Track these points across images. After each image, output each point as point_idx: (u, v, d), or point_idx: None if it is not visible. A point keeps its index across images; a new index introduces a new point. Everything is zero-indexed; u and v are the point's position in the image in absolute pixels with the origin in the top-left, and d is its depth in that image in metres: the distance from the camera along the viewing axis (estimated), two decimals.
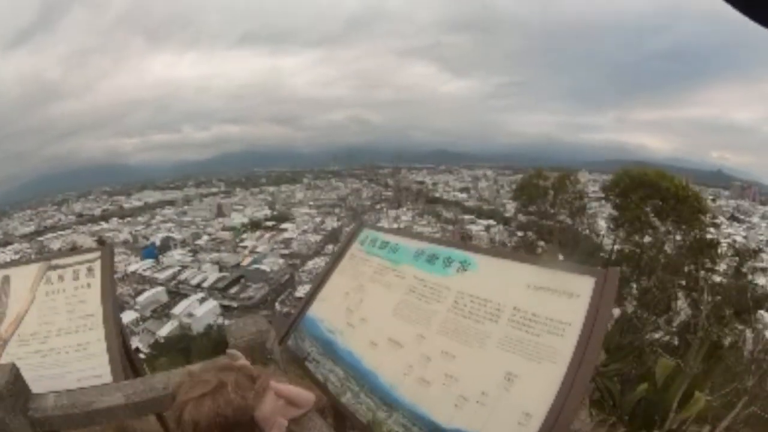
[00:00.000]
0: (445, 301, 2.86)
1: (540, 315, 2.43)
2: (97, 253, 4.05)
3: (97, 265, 3.96)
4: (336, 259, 3.93)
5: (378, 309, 3.22)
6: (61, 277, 3.92)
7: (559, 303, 2.42)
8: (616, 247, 17.56)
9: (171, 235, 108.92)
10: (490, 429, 2.27)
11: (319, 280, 3.85)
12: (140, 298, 73.26)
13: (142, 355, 23.75)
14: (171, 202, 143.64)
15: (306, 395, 2.41)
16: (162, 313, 71.23)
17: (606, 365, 5.43)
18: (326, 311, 3.56)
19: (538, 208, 21.58)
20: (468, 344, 2.58)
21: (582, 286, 2.38)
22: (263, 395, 1.88)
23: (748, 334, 10.17)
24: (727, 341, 8.72)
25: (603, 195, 20.06)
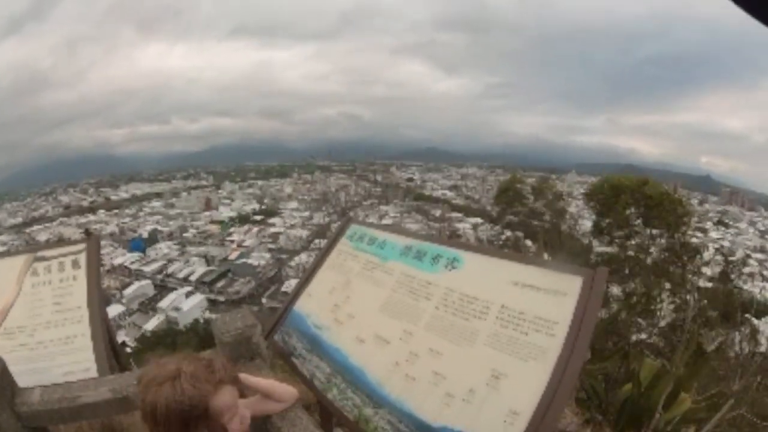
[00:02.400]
0: (433, 298, 2.86)
1: (528, 313, 2.43)
2: (83, 245, 4.02)
3: (82, 258, 3.93)
4: (324, 254, 3.91)
5: (365, 305, 3.20)
6: (47, 269, 3.89)
7: (547, 302, 2.42)
8: (601, 249, 17.60)
9: (158, 227, 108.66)
10: (477, 427, 2.27)
11: (307, 275, 3.83)
12: (127, 292, 73.01)
13: (128, 349, 23.65)
14: (159, 195, 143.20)
15: (286, 389, 2.42)
16: (148, 306, 70.95)
17: (591, 365, 5.45)
18: (313, 306, 3.54)
19: (522, 209, 21.63)
20: (456, 342, 2.58)
21: (570, 286, 2.39)
22: (220, 387, 1.89)
23: (736, 337, 10.23)
24: (713, 344, 8.77)
25: (588, 200, 20.20)
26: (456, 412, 2.35)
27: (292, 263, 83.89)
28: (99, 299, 3.75)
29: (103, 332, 3.60)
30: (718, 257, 19.08)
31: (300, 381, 3.12)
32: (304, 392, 3.14)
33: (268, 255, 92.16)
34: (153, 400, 1.74)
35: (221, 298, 75.04)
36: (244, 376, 2.15)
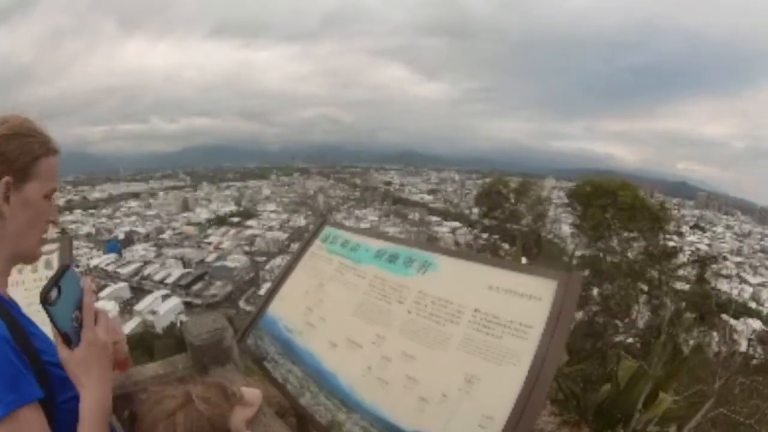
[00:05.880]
0: (406, 301, 2.83)
1: (501, 317, 2.40)
2: (56, 245, 3.95)
3: (54, 258, 3.85)
4: (297, 256, 3.88)
5: (338, 308, 3.17)
6: (19, 270, 3.80)
7: (521, 305, 2.39)
8: (579, 252, 17.71)
9: (135, 228, 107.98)
10: None
11: (279, 278, 3.80)
12: (103, 294, 72.33)
13: None
14: (136, 195, 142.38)
15: (253, 393, 2.36)
16: (125, 309, 70.37)
17: (569, 366, 5.46)
18: (285, 310, 3.50)
19: (502, 212, 21.74)
20: (428, 346, 2.55)
21: (544, 289, 2.36)
22: (236, 405, 1.75)
23: (715, 337, 10.36)
24: (690, 344, 8.87)
25: (568, 201, 20.32)
26: (430, 417, 2.32)
27: (270, 266, 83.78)
28: None
29: None
30: (693, 259, 19.29)
31: (273, 386, 3.09)
32: (279, 397, 3.11)
33: (245, 258, 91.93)
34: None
35: (198, 301, 74.69)
36: None
